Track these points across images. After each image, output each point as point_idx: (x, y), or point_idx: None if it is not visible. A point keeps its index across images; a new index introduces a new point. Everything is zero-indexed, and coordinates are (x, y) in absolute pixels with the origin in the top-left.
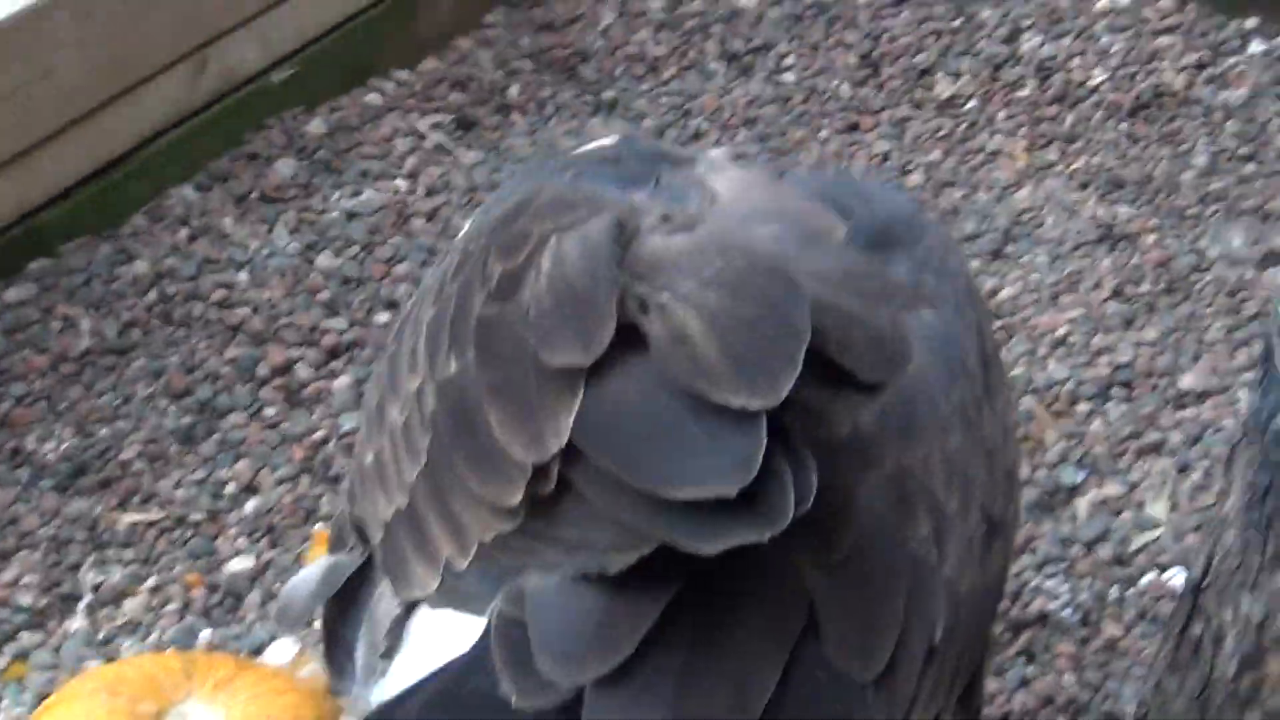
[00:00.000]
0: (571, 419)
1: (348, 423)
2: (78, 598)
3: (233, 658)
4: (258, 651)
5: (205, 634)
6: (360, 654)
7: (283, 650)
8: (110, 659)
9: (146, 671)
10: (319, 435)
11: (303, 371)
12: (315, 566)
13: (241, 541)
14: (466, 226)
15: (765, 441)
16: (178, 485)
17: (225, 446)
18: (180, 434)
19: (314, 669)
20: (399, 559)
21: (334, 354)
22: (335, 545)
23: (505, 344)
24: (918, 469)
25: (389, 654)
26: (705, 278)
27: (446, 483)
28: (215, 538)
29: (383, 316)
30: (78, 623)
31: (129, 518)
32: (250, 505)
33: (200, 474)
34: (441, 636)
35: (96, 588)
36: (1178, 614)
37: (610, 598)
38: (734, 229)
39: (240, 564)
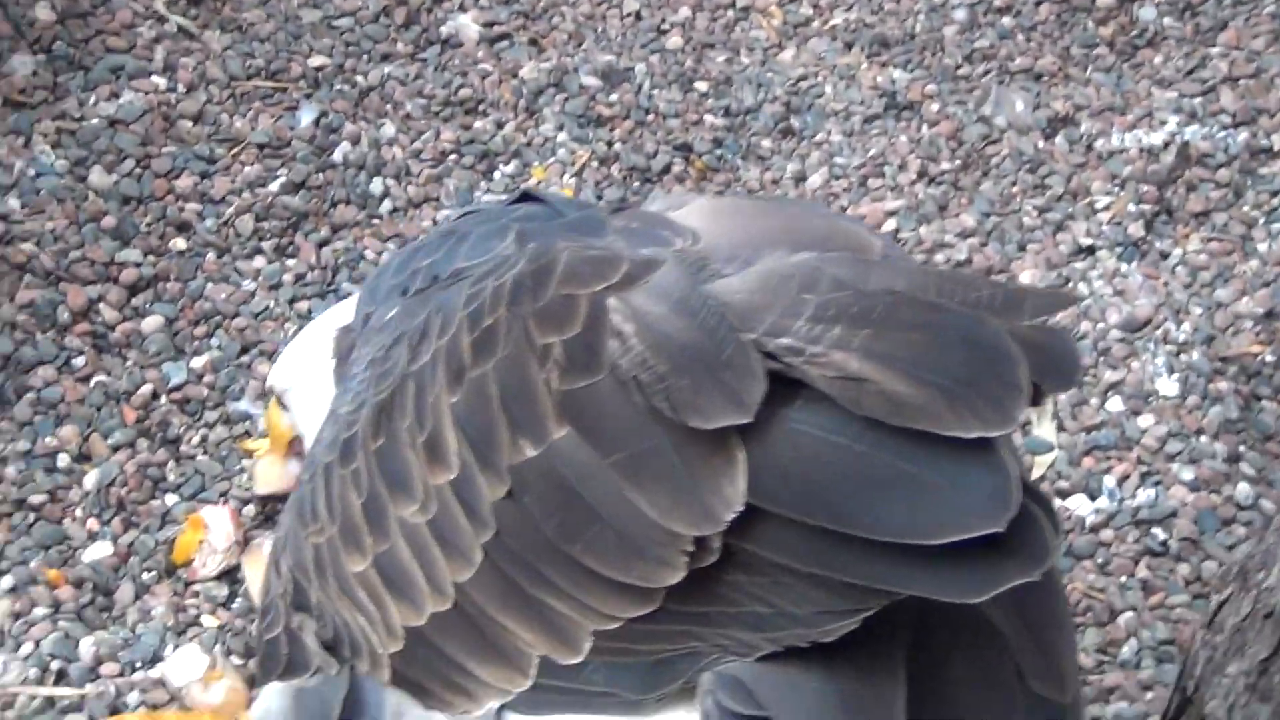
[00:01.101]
0: (743, 483)
1: (174, 374)
2: None
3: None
4: (152, 661)
5: (87, 642)
6: None
7: (188, 664)
8: None
9: None
10: (146, 390)
11: (107, 313)
12: (271, 698)
13: (92, 523)
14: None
15: (1014, 472)
16: (2, 460)
17: (42, 408)
18: None
19: (227, 685)
20: (441, 669)
21: (135, 290)
22: (268, 666)
23: (615, 418)
24: None
25: None
26: (814, 315)
27: (533, 576)
28: (60, 520)
29: (179, 242)
30: None
31: None
32: (90, 479)
33: (23, 444)
34: None
35: None
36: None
37: (852, 675)
38: (779, 261)
39: (98, 551)
